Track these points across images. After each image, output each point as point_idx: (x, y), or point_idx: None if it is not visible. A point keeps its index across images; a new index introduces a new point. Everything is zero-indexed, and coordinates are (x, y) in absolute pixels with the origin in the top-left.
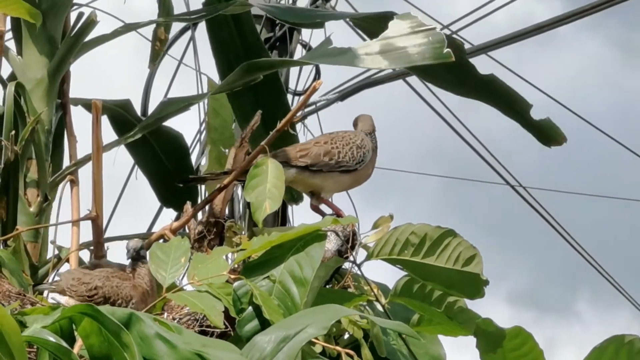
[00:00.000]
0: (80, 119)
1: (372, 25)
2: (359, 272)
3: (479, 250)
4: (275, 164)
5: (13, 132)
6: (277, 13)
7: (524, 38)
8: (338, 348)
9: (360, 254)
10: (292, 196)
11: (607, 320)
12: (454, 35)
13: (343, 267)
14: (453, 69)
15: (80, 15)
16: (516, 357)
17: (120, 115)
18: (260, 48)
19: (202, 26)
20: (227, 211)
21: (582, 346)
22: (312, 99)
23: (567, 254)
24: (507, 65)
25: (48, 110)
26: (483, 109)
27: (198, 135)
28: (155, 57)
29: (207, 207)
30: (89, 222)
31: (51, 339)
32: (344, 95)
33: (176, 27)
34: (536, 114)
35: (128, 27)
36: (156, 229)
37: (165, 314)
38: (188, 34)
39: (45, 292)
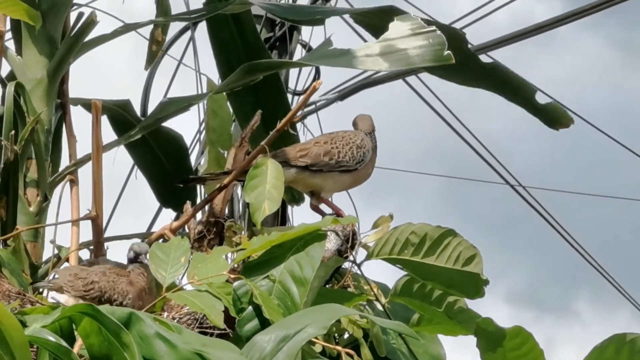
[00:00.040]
0: (79, 118)
1: (372, 20)
2: (358, 272)
3: (479, 249)
4: (275, 164)
5: (13, 132)
6: (278, 11)
7: (524, 38)
8: (338, 347)
9: (360, 254)
10: (293, 197)
11: (607, 320)
12: None
13: (343, 266)
14: (457, 60)
15: (80, 15)
16: (516, 357)
17: (119, 115)
18: (261, 48)
19: (201, 26)
20: (226, 211)
21: (581, 346)
22: (312, 98)
23: (567, 254)
24: (507, 65)
25: (48, 110)
26: (483, 108)
27: (198, 136)
28: (152, 59)
29: (206, 207)
30: (89, 222)
31: (51, 338)
32: (343, 95)
33: (176, 27)
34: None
35: (128, 27)
36: (156, 228)
37: (165, 314)
38: (188, 34)
39: (45, 292)
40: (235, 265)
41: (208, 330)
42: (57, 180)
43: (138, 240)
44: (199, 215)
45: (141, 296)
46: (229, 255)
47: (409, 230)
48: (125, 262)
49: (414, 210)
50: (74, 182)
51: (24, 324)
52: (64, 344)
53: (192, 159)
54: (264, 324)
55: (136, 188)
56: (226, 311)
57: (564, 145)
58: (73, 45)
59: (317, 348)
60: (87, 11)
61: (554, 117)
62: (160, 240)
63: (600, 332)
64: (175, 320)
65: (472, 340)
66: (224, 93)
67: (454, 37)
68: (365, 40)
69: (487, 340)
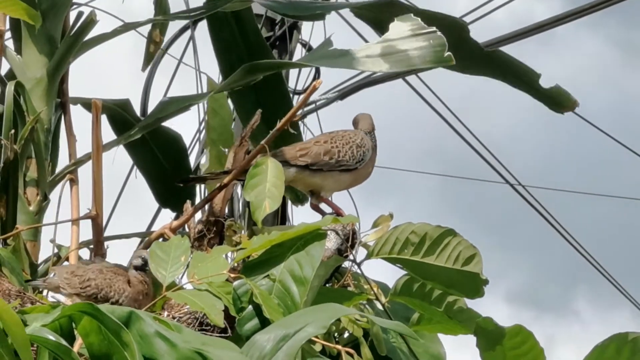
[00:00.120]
0: (79, 118)
1: (373, 13)
2: (359, 271)
3: (478, 249)
4: (275, 163)
5: (12, 131)
6: (277, 7)
7: (524, 37)
8: (338, 347)
9: (360, 253)
10: (297, 196)
11: (606, 319)
12: None
13: (343, 265)
14: (457, 48)
15: (80, 14)
16: (516, 356)
17: (119, 114)
18: (263, 47)
19: (201, 25)
20: (226, 210)
21: (581, 345)
22: (312, 97)
23: (567, 253)
24: None
25: (47, 110)
26: (483, 108)
27: (197, 135)
28: (150, 60)
29: (206, 206)
30: (89, 221)
31: (51, 337)
32: (343, 94)
33: (176, 26)
34: (535, 111)
35: (127, 27)
36: (156, 228)
37: (165, 313)
38: (188, 33)
39: (45, 291)
40: (235, 265)
41: (208, 329)
42: (56, 180)
43: (137, 243)
44: (198, 215)
45: (138, 299)
46: (229, 254)
47: (409, 229)
48: (125, 263)
49: (413, 210)
50: (73, 182)
51: (24, 323)
52: (64, 342)
53: (193, 158)
54: (264, 323)
55: (136, 187)
56: (226, 310)
57: (564, 145)
58: (73, 45)
59: (317, 347)
60: (86, 10)
61: (558, 100)
62: (160, 240)
63: (599, 332)
64: (176, 320)
65: (472, 339)
66: (225, 92)
67: (454, 26)
68: (365, 39)
69: (487, 340)
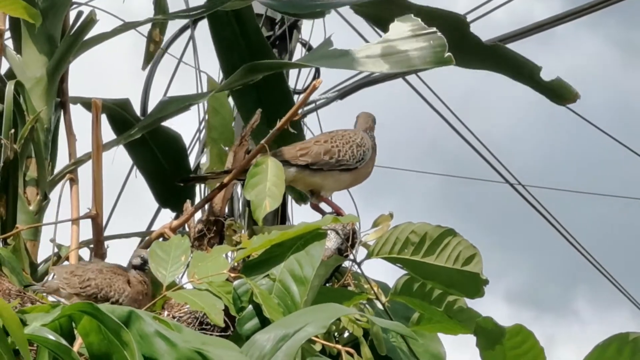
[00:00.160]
0: (79, 118)
1: (372, 10)
2: (359, 271)
3: (478, 249)
4: (275, 162)
5: (12, 130)
6: (277, 5)
7: (523, 37)
8: (338, 346)
9: (361, 253)
10: (299, 195)
11: (606, 319)
12: None
13: (343, 265)
14: (458, 44)
15: (80, 14)
16: (516, 356)
17: (119, 114)
18: (264, 46)
19: (201, 25)
20: (226, 210)
21: (581, 345)
22: (312, 97)
23: (567, 253)
24: None
25: (47, 109)
26: (483, 107)
27: (197, 134)
28: (150, 59)
29: (206, 206)
30: (89, 221)
31: (51, 337)
32: (343, 93)
33: (176, 25)
34: (535, 111)
35: (127, 26)
36: (156, 227)
37: (166, 312)
38: (188, 32)
39: None
40: (236, 264)
41: (208, 329)
42: (56, 179)
43: (137, 243)
44: (199, 214)
45: (137, 299)
46: (229, 254)
47: (409, 229)
48: (124, 263)
49: (413, 209)
50: (73, 181)
51: (24, 323)
52: (64, 342)
53: (192, 158)
54: (264, 322)
55: (136, 187)
56: (226, 310)
57: (564, 144)
58: (72, 44)
59: (317, 347)
60: (86, 10)
61: (559, 93)
62: (161, 239)
63: (599, 331)
64: (176, 319)
65: (471, 339)
66: (226, 91)
67: (455, 21)
68: (365, 39)
69: (487, 339)
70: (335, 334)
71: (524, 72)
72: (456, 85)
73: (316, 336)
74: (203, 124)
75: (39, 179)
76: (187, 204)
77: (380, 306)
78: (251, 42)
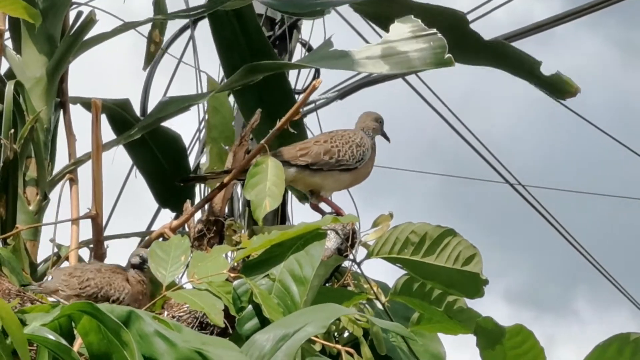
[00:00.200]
0: (79, 118)
1: (372, 8)
2: (358, 271)
3: (478, 249)
4: (275, 162)
5: (12, 130)
6: (277, 5)
7: (523, 37)
8: (338, 346)
9: (360, 253)
10: (302, 194)
11: (605, 319)
12: None
13: (343, 265)
14: (458, 40)
15: (80, 14)
16: (517, 355)
17: (119, 114)
18: (265, 45)
19: (201, 24)
20: (226, 209)
21: (581, 345)
22: (312, 97)
23: (566, 253)
24: None
25: (47, 109)
26: (483, 107)
27: (197, 134)
28: (150, 60)
29: (206, 206)
30: (89, 221)
31: (51, 336)
32: (343, 93)
33: (176, 25)
34: (535, 111)
35: (127, 26)
36: (156, 227)
37: (165, 312)
38: (187, 32)
39: None
40: (235, 264)
41: (207, 327)
42: (56, 179)
43: (137, 243)
44: (198, 214)
45: (137, 299)
46: (229, 254)
47: (409, 229)
48: (124, 264)
49: (413, 209)
50: (73, 181)
51: (23, 323)
52: (64, 342)
53: (192, 157)
54: (264, 322)
55: (136, 187)
56: (226, 310)
57: (564, 144)
58: (72, 44)
59: (317, 347)
60: (86, 10)
61: (560, 87)
62: (160, 239)
63: (599, 331)
64: (175, 319)
65: (471, 339)
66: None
67: (454, 18)
68: (365, 39)
69: (487, 339)
70: (335, 333)
71: (524, 67)
72: (456, 85)
73: (316, 336)
74: (203, 124)
75: (38, 179)
76: (187, 204)
77: (380, 306)
78: (252, 41)
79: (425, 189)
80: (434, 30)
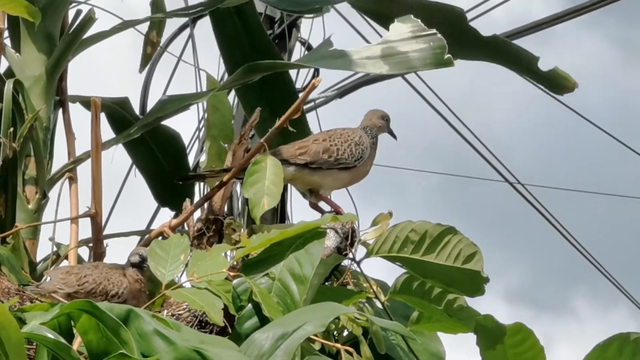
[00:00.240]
0: (78, 116)
1: (371, 5)
2: (358, 270)
3: (479, 247)
4: (274, 161)
5: (11, 129)
6: (276, 3)
7: (522, 36)
8: (337, 345)
9: (360, 251)
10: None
11: (604, 317)
12: None
13: (342, 264)
14: (456, 36)
15: (79, 12)
16: (517, 354)
17: (118, 113)
18: (267, 42)
19: (201, 23)
20: (226, 208)
21: (579, 344)
22: (311, 95)
23: (565, 251)
24: None
25: (46, 108)
26: (482, 106)
27: (197, 133)
28: (147, 61)
29: (206, 205)
30: (88, 219)
31: (50, 335)
32: (342, 92)
33: (175, 24)
34: (535, 110)
35: (126, 24)
36: (155, 226)
37: (165, 311)
38: (187, 31)
39: None
40: (235, 263)
41: (206, 326)
42: (55, 178)
43: (136, 242)
44: (198, 213)
45: (136, 296)
46: (229, 252)
47: (409, 227)
48: (123, 262)
49: (412, 208)
50: (72, 180)
51: (23, 321)
52: (63, 340)
53: (192, 155)
54: (264, 321)
55: (135, 186)
56: (225, 309)
57: (563, 143)
58: (71, 43)
59: (317, 345)
60: (85, 8)
61: (557, 82)
62: (160, 238)
63: (598, 330)
64: (175, 318)
65: (469, 338)
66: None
67: (452, 14)
68: (365, 38)
69: (487, 338)
70: (335, 332)
71: (521, 62)
72: (455, 84)
73: (315, 335)
74: (202, 122)
75: (38, 178)
76: (187, 203)
77: (379, 305)
78: (254, 37)
79: (424, 187)
80: (434, 31)
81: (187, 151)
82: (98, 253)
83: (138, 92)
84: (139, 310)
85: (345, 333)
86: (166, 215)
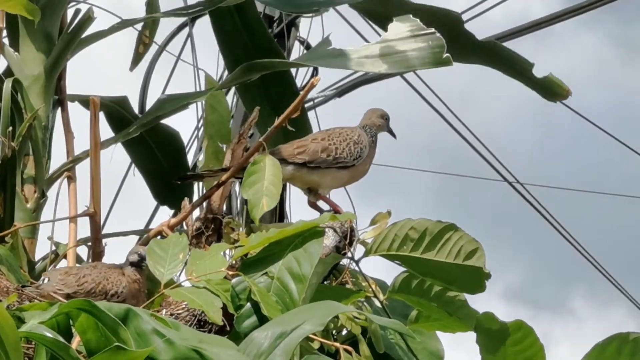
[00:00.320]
0: (77, 115)
1: (370, 6)
2: (357, 269)
3: (480, 243)
4: (273, 161)
5: (10, 128)
6: (275, 2)
7: (521, 35)
8: (336, 344)
9: (358, 250)
10: None
11: (603, 316)
12: None
13: (341, 263)
14: (452, 39)
15: (77, 11)
16: (517, 352)
17: (117, 112)
18: (268, 39)
19: (200, 22)
20: (224, 207)
21: (578, 343)
22: (310, 95)
23: (564, 251)
24: None
25: (45, 107)
26: (481, 105)
27: (196, 132)
28: (138, 60)
29: (204, 204)
30: (87, 219)
31: (48, 334)
32: (341, 91)
33: (174, 23)
34: (534, 109)
35: (125, 24)
36: (154, 225)
37: (163, 310)
38: (186, 30)
39: None
40: (234, 262)
41: (205, 325)
42: (54, 177)
43: (135, 241)
44: (196, 212)
45: (135, 296)
46: (227, 251)
47: (409, 225)
48: (121, 262)
49: (411, 207)
50: (71, 179)
51: (22, 321)
52: (62, 339)
53: (190, 154)
54: (262, 320)
55: (134, 185)
56: (224, 308)
57: (562, 142)
58: (70, 42)
59: (316, 344)
60: (84, 7)
61: (551, 89)
62: (158, 237)
63: (596, 329)
64: (173, 317)
65: (468, 337)
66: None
67: (448, 17)
68: (363, 37)
69: (488, 336)
70: (334, 331)
71: (516, 67)
72: (454, 83)
73: (314, 334)
74: (201, 121)
75: (36, 177)
76: (185, 202)
77: (378, 304)
78: (254, 35)
79: (423, 187)
80: (433, 30)
81: (186, 150)
82: (97, 252)
83: (137, 91)
84: (137, 310)
85: (344, 332)
86: (165, 214)
